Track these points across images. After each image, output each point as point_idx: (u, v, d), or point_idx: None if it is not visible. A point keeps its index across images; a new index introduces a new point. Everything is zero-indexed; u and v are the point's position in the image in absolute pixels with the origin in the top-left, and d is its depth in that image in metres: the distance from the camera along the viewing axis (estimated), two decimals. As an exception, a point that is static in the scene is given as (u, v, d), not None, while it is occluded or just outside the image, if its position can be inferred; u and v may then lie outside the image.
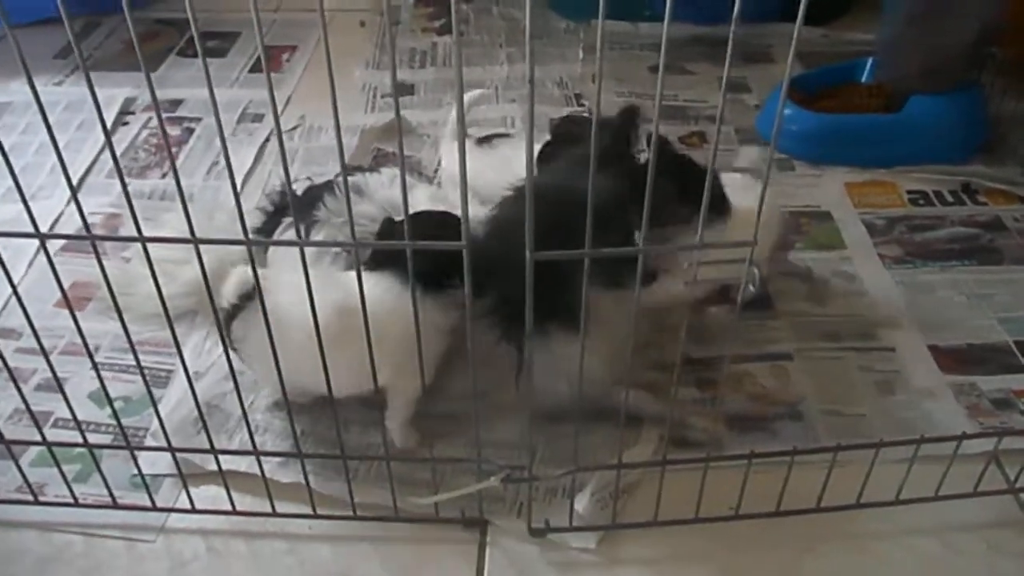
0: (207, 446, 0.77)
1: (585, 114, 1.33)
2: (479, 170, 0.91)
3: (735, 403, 0.90)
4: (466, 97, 1.33)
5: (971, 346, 0.96)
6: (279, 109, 1.39)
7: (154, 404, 0.74)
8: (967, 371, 0.93)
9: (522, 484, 0.77)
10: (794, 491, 0.76)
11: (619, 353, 0.84)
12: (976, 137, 1.26)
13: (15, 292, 0.69)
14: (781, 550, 0.78)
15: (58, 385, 0.72)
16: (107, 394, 0.74)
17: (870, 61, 1.32)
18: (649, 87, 1.40)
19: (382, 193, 0.98)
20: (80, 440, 0.76)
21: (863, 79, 1.31)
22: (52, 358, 0.86)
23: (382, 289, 0.79)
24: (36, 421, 0.75)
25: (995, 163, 1.23)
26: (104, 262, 0.66)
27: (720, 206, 0.83)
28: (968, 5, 1.18)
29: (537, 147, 0.99)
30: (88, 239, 0.64)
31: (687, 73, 1.44)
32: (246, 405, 0.83)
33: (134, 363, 0.70)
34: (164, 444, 0.76)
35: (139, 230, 0.63)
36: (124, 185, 0.62)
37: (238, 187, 1.24)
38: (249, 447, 0.76)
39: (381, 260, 0.82)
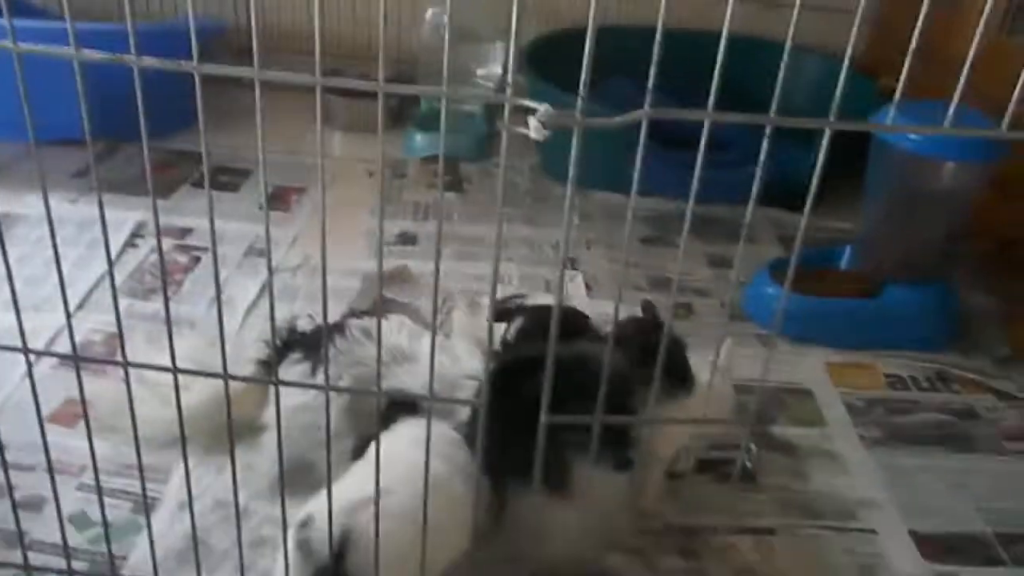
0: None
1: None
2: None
3: (720, 574, 0.90)
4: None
5: (951, 534, 0.98)
6: (285, 248, 1.44)
7: (149, 526, 0.73)
8: (949, 560, 0.95)
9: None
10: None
11: (605, 517, 0.86)
12: (949, 327, 1.33)
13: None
14: None
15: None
16: (103, 516, 0.73)
17: (848, 248, 1.41)
18: (639, 256, 1.47)
19: (391, 340, 1.00)
20: (63, 566, 0.75)
21: (843, 264, 1.39)
22: (36, 475, 0.85)
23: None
24: (22, 539, 0.73)
25: (967, 353, 1.29)
26: (102, 381, 0.68)
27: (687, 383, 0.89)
28: (936, 208, 1.27)
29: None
30: (72, 359, 0.66)
31: (675, 247, 1.52)
32: (232, 539, 0.83)
33: (120, 487, 0.70)
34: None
35: (124, 354, 0.64)
36: (116, 305, 0.64)
37: (239, 319, 1.27)
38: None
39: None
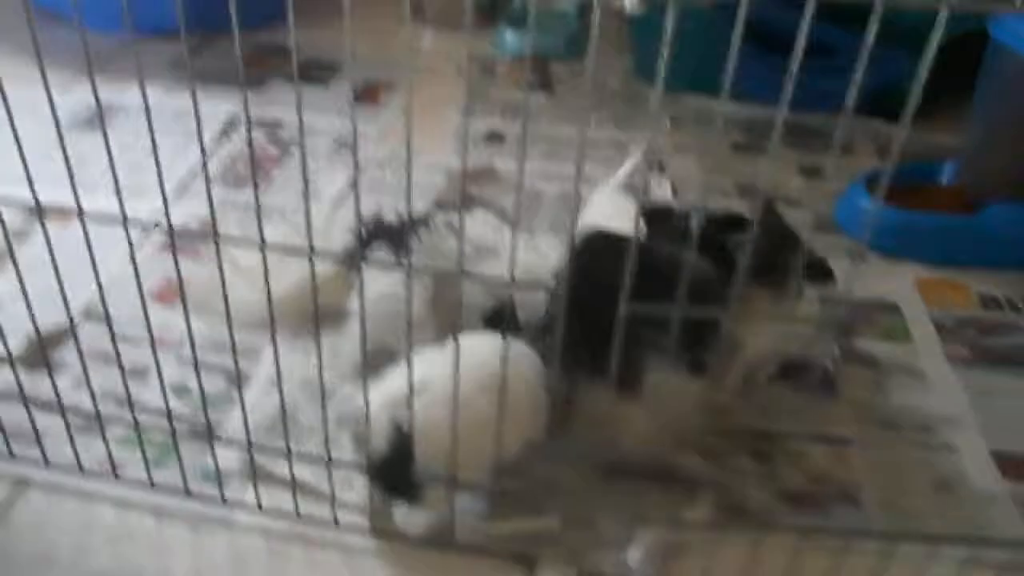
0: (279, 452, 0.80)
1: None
2: (617, 217, 0.95)
3: (792, 480, 0.91)
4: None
5: (1035, 456, 0.96)
6: (373, 143, 1.46)
7: (240, 396, 0.78)
8: (1030, 480, 0.93)
9: (577, 531, 0.79)
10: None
11: (677, 418, 0.87)
12: (1052, 250, 1.27)
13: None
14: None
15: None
16: (200, 382, 0.78)
17: (950, 164, 1.34)
18: (729, 163, 1.43)
19: (475, 232, 1.01)
20: (164, 425, 0.80)
21: (943, 181, 1.33)
22: (139, 349, 0.92)
23: (522, 347, 0.79)
24: (130, 398, 0.79)
25: (1070, 277, 1.23)
26: (197, 266, 0.71)
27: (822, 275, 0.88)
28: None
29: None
30: (168, 234, 0.69)
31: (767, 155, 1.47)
32: (319, 415, 0.87)
33: (215, 362, 0.74)
34: (236, 444, 0.79)
35: (216, 232, 0.67)
36: (208, 189, 0.66)
37: (328, 212, 1.31)
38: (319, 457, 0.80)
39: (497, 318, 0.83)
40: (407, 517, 0.80)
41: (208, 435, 0.79)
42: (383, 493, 0.78)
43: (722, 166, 1.43)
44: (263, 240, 0.67)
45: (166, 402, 0.79)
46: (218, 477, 0.83)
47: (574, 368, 0.79)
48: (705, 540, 0.81)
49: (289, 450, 0.80)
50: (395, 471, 0.75)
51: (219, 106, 1.48)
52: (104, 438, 0.84)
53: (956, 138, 1.43)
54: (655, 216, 1.08)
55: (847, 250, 1.25)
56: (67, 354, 1.00)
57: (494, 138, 1.49)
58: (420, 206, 1.17)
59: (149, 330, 0.76)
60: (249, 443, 0.80)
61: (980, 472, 0.94)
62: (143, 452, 0.84)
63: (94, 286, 0.75)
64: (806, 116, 1.56)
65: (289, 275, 1.05)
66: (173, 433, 0.81)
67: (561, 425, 0.85)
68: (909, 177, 1.35)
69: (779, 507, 0.87)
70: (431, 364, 0.76)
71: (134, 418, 0.81)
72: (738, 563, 0.77)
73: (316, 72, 1.64)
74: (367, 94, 1.60)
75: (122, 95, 1.50)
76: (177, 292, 1.10)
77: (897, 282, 1.21)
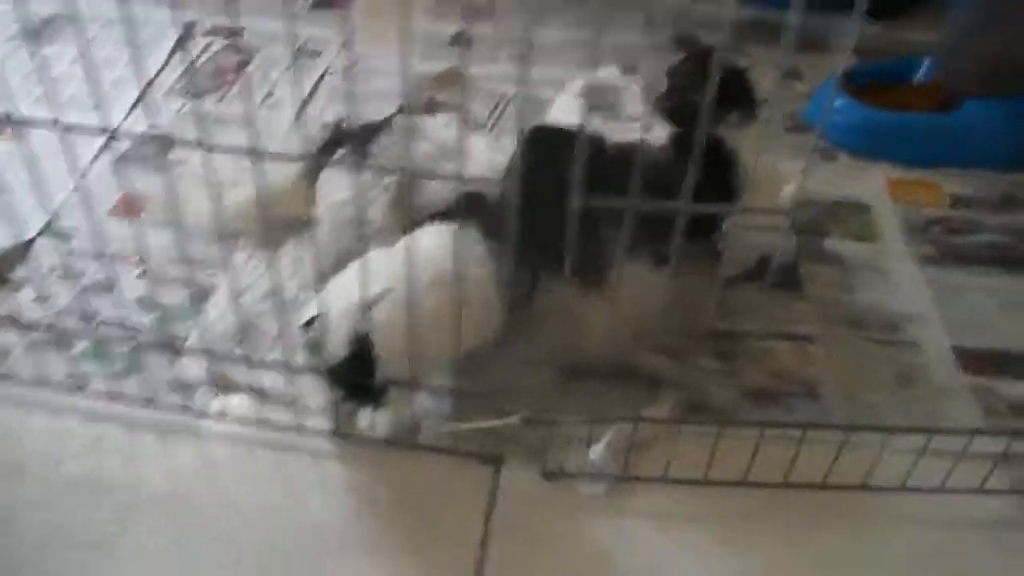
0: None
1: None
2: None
3: (753, 377, 0.92)
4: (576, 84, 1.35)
5: (996, 351, 0.97)
6: (337, 48, 1.41)
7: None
8: (989, 374, 0.94)
9: (540, 429, 0.79)
10: (803, 467, 0.79)
11: (642, 317, 0.86)
12: (1025, 147, 1.26)
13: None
14: (786, 522, 0.80)
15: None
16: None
17: (927, 61, 1.31)
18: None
19: (440, 134, 1.00)
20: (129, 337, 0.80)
21: (918, 78, 1.31)
22: (102, 262, 0.91)
23: (472, 242, 0.79)
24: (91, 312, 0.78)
25: (1041, 175, 1.23)
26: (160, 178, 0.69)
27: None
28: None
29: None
30: (153, 140, 0.67)
31: (744, 55, 1.44)
32: (282, 324, 0.87)
33: (179, 275, 0.73)
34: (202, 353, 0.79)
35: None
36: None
37: (290, 120, 1.28)
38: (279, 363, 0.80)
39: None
40: (370, 419, 0.81)
41: (170, 347, 0.79)
42: (344, 397, 0.78)
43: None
44: (210, 149, 0.65)
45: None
46: (182, 388, 0.83)
47: (531, 263, 0.78)
48: (667, 436, 0.82)
49: (249, 359, 0.80)
50: (354, 375, 0.75)
51: (175, 14, 1.42)
52: (70, 352, 0.84)
53: (933, 35, 1.41)
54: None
55: (816, 149, 1.24)
56: (29, 270, 0.99)
57: (460, 40, 1.45)
58: (384, 113, 1.15)
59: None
60: (210, 353, 0.79)
61: (941, 367, 0.95)
62: (105, 365, 0.84)
63: (54, 200, 0.73)
64: (780, 13, 1.54)
65: (250, 185, 1.03)
66: (136, 345, 0.81)
67: (521, 324, 0.85)
68: (882, 74, 1.33)
69: (741, 404, 0.89)
70: (382, 265, 0.76)
71: (96, 328, 0.81)
72: (699, 457, 0.78)
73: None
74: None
75: (75, 3, 1.45)
76: (139, 206, 1.09)
77: (868, 182, 1.20)
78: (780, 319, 0.98)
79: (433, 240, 0.80)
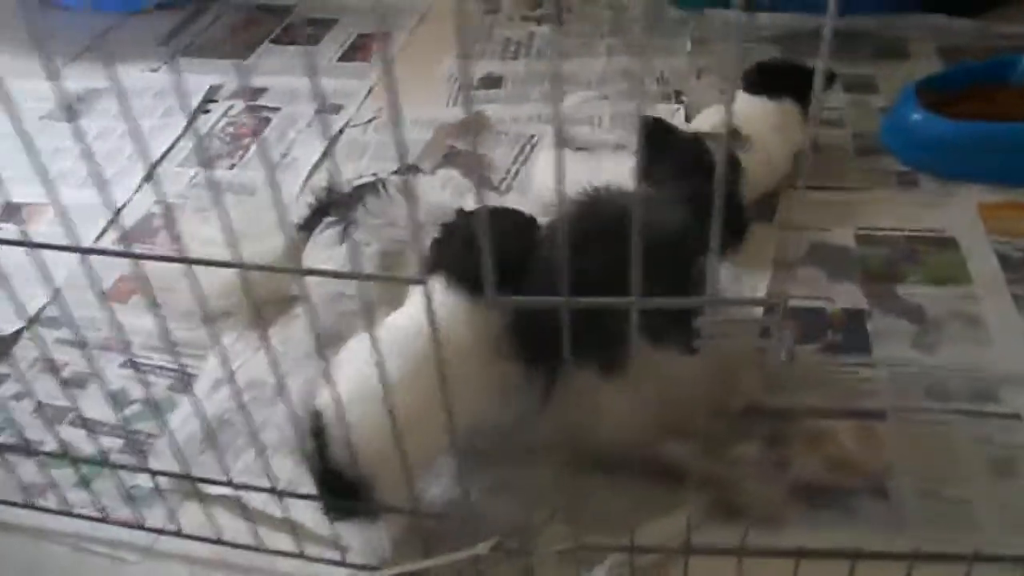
0: (212, 465, 0.72)
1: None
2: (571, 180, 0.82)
3: (807, 467, 0.75)
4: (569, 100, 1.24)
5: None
6: (360, 99, 1.34)
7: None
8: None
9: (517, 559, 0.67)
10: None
11: (671, 403, 0.73)
12: None
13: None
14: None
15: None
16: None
17: (1025, 59, 1.11)
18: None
19: (431, 197, 0.90)
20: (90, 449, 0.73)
21: (1014, 79, 1.11)
22: (86, 352, 0.85)
23: (449, 311, 0.69)
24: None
25: None
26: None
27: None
28: None
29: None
30: (122, 255, 0.61)
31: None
32: (257, 423, 0.78)
33: (164, 363, 0.66)
34: (168, 460, 0.71)
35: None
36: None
37: (304, 179, 1.22)
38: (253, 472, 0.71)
39: (436, 264, 0.73)
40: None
41: (136, 459, 0.72)
42: (334, 516, 0.69)
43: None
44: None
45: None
46: (138, 504, 0.75)
47: (545, 353, 0.67)
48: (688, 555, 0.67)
49: (229, 479, 0.71)
50: (345, 494, 0.67)
51: (201, 79, 1.39)
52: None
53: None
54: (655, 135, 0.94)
55: (896, 175, 1.06)
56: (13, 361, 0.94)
57: (490, 83, 1.34)
58: (395, 166, 1.06)
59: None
60: (177, 473, 0.71)
61: (1054, 449, 0.76)
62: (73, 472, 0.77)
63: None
64: (853, 20, 1.36)
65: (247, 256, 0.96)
66: (104, 460, 0.74)
67: (537, 414, 0.73)
68: (972, 77, 1.14)
69: (787, 505, 0.72)
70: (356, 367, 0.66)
71: (61, 443, 0.74)
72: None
73: (309, 30, 1.52)
74: (360, 48, 1.47)
75: (106, 76, 1.43)
76: (132, 288, 1.03)
77: (955, 210, 1.01)
78: (843, 392, 0.81)
79: (406, 322, 0.70)
